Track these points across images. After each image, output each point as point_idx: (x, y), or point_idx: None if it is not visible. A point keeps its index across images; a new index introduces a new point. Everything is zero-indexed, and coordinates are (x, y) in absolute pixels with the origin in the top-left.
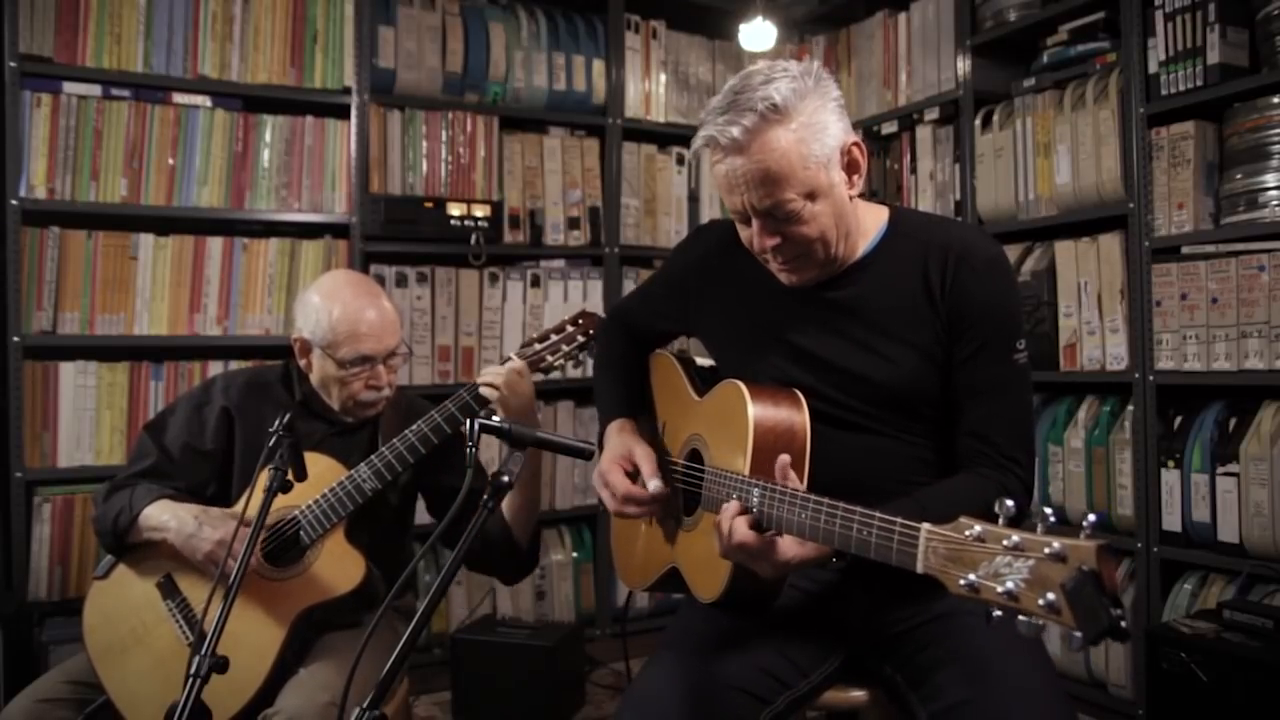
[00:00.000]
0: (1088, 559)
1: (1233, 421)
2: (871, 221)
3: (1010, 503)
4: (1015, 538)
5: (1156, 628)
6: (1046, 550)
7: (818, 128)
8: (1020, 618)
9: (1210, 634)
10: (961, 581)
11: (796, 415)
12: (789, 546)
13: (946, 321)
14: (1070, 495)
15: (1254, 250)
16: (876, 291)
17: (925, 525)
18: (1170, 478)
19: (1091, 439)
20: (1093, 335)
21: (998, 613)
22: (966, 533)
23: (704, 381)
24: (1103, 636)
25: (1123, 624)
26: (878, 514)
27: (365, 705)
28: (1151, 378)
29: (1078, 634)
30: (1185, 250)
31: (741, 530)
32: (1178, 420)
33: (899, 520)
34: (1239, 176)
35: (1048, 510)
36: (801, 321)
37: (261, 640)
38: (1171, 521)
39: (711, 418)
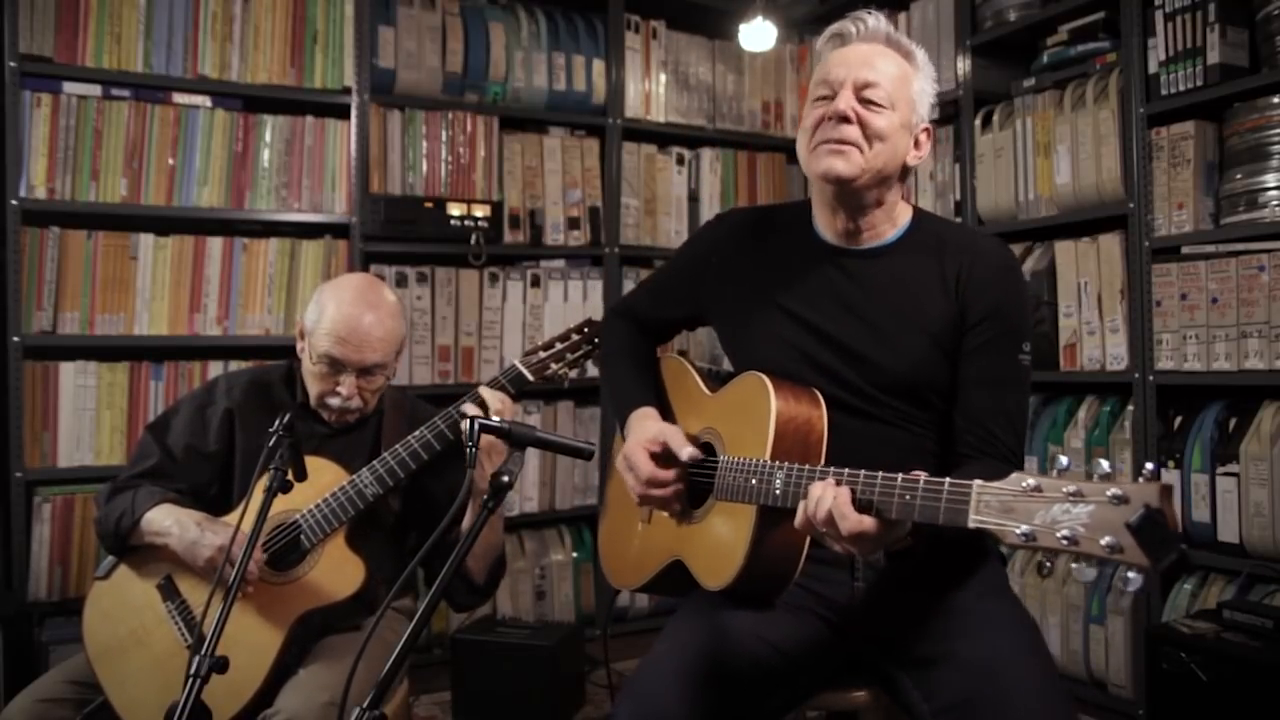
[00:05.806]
0: (1151, 497)
1: (1233, 421)
2: (900, 213)
3: (1064, 459)
4: (1073, 485)
5: (1156, 628)
6: (1108, 494)
7: (920, 88)
8: (1074, 565)
9: (1210, 634)
10: (1018, 531)
11: (815, 411)
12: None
13: (959, 313)
14: None
15: (1254, 250)
16: (896, 275)
17: (976, 481)
18: (1170, 478)
19: (1091, 439)
20: (1093, 335)
21: (1049, 564)
22: (1023, 484)
23: (714, 380)
24: (1172, 566)
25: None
26: (922, 477)
27: (365, 705)
28: (1151, 378)
29: (1138, 571)
30: (1185, 250)
31: (849, 512)
32: (1178, 420)
33: (947, 480)
34: (1239, 176)
35: (1103, 462)
36: (819, 298)
37: (260, 643)
38: None
39: (727, 409)
